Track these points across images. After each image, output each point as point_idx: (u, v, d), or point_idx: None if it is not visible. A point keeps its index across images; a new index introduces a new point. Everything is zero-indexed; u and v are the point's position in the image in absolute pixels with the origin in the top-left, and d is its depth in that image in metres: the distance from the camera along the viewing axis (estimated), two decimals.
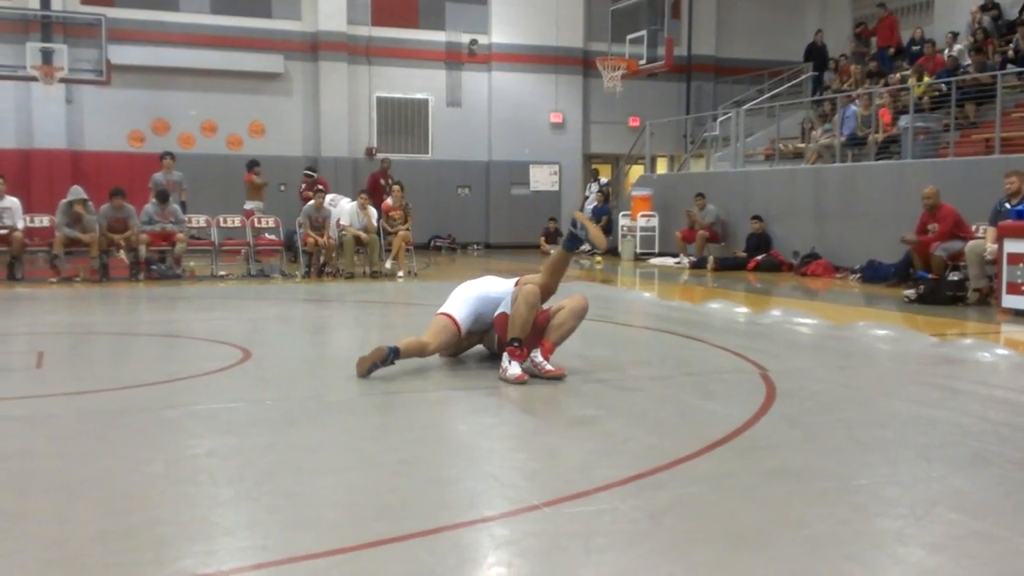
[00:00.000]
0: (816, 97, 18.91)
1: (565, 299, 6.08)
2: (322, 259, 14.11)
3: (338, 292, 11.79)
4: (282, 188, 19.05)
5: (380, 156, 18.37)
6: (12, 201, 13.12)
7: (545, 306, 6.01)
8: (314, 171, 17.43)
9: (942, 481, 3.75)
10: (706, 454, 4.08)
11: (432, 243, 21.18)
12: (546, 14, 22.93)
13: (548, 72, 23.08)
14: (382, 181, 17.28)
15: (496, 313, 6.11)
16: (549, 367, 5.76)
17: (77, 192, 13.10)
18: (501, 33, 22.83)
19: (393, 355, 5.77)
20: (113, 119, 19.99)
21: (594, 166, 24.21)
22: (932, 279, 10.99)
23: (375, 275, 13.72)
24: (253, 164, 16.26)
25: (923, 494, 3.55)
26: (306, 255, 14.11)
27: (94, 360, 7.07)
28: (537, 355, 5.80)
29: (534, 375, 5.72)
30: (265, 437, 4.38)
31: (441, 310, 6.15)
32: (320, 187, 15.10)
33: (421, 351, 6.00)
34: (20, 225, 12.98)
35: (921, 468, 3.94)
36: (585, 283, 12.98)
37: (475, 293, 6.14)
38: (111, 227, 13.06)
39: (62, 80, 17.55)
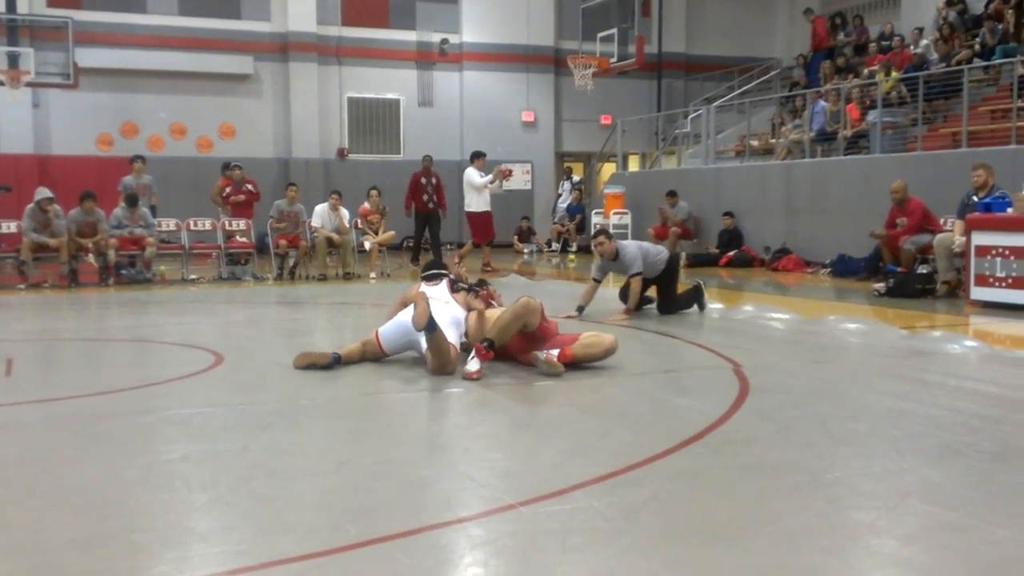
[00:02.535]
0: (785, 93, 19.04)
1: (602, 335, 6.18)
2: (292, 261, 14.03)
3: (311, 294, 11.73)
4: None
5: (423, 154, 17.61)
6: None
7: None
8: (238, 167, 15.46)
9: (914, 473, 3.79)
10: (681, 450, 4.11)
11: (405, 244, 21.13)
12: (517, 13, 22.94)
13: (519, 71, 23.08)
14: (423, 180, 16.68)
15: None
16: (554, 357, 5.86)
17: (43, 192, 12.96)
18: (472, 32, 22.82)
19: (335, 361, 6.03)
20: (81, 122, 19.80)
21: (567, 164, 24.23)
22: (901, 272, 11.10)
23: (348, 276, 13.68)
24: (226, 167, 15.90)
25: (895, 486, 3.59)
26: (278, 257, 14.03)
27: (65, 367, 7.01)
28: (552, 354, 5.90)
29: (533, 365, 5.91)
30: (239, 441, 4.36)
31: (378, 328, 6.30)
32: (250, 186, 14.92)
33: (363, 356, 6.21)
34: None
35: (893, 460, 3.99)
36: (559, 281, 13.01)
37: (405, 321, 6.00)
38: (80, 231, 12.92)
39: (28, 84, 17.37)
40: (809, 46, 20.87)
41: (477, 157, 15.40)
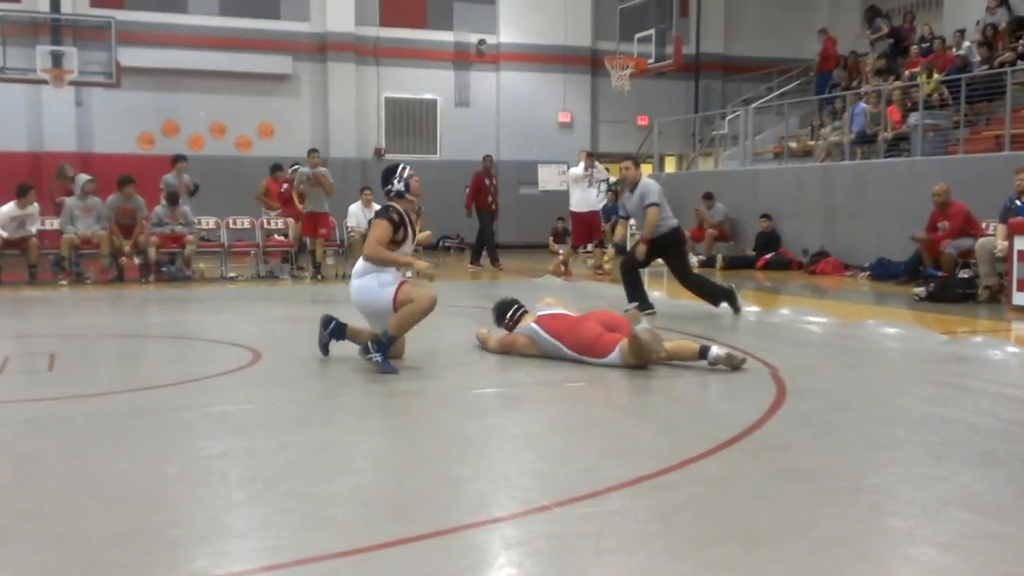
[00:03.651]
0: (825, 95, 18.87)
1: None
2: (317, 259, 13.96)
3: (347, 293, 11.77)
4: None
5: (484, 154, 17.26)
6: (35, 208, 13.21)
7: None
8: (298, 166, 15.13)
9: (953, 480, 3.75)
10: (716, 454, 4.08)
11: (441, 243, 21.18)
12: (554, 13, 22.91)
13: (556, 72, 23.06)
14: (487, 181, 16.29)
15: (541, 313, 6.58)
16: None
17: (84, 176, 13.23)
18: (509, 33, 22.83)
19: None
20: (123, 121, 20.04)
21: (604, 166, 24.12)
22: (942, 277, 10.96)
23: None
24: (276, 168, 15.83)
25: (934, 493, 3.55)
26: (310, 255, 14.03)
27: (106, 362, 7.11)
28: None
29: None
30: (277, 438, 4.40)
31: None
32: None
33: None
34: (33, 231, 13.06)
35: (932, 467, 3.94)
36: (592, 282, 12.98)
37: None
38: (119, 218, 13.09)
39: (72, 83, 17.58)
40: (816, 66, 20.64)
41: (585, 153, 15.11)
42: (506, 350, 6.60)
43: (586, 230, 14.73)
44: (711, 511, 3.35)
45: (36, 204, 13.26)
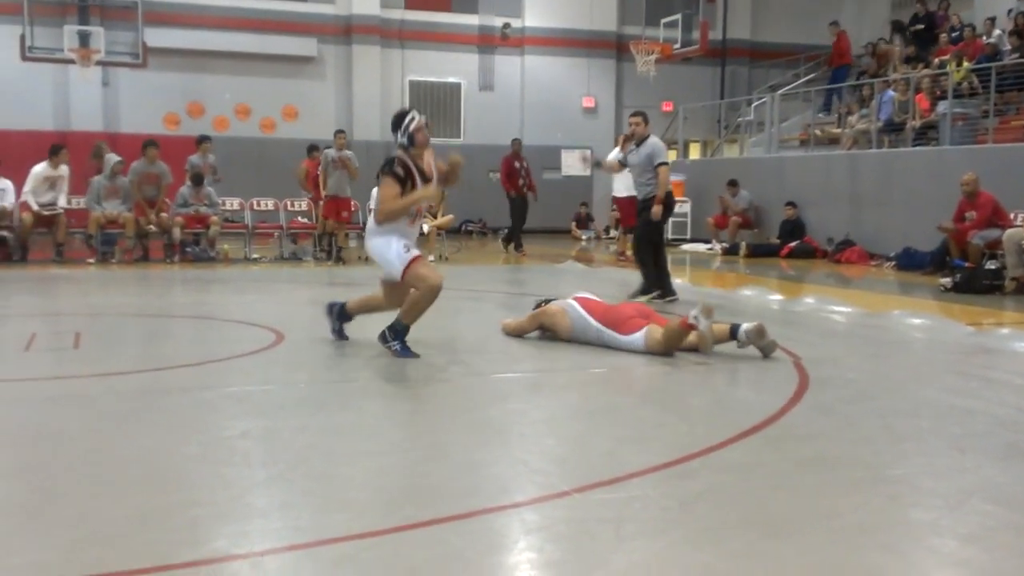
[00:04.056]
0: (853, 82, 18.68)
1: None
2: (335, 242, 13.93)
3: (370, 276, 11.80)
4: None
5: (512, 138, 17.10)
6: (65, 170, 13.25)
7: None
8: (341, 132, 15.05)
9: (976, 472, 3.72)
10: (738, 442, 4.07)
11: (463, 227, 21.18)
12: None
13: (581, 56, 22.95)
14: (516, 164, 16.21)
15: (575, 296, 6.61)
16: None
17: (114, 157, 13.32)
18: (534, 17, 22.73)
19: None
20: (149, 102, 20.12)
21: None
22: (969, 267, 10.86)
23: None
24: (313, 149, 15.75)
25: (957, 485, 3.52)
26: (326, 237, 13.97)
27: (130, 341, 7.15)
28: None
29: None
30: (298, 419, 4.42)
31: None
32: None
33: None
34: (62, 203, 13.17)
35: (956, 459, 3.91)
36: (615, 269, 12.95)
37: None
38: (143, 185, 13.17)
39: (99, 63, 17.67)
40: (829, 60, 20.39)
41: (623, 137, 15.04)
42: (534, 321, 6.62)
43: (633, 214, 14.66)
44: (732, 499, 3.34)
45: (66, 166, 13.32)
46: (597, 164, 9.88)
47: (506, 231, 16.69)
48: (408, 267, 5.88)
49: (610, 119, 23.41)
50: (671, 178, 9.21)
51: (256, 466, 3.67)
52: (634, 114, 9.33)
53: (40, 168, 13.03)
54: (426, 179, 6.15)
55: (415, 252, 6.00)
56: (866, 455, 3.92)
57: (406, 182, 6.00)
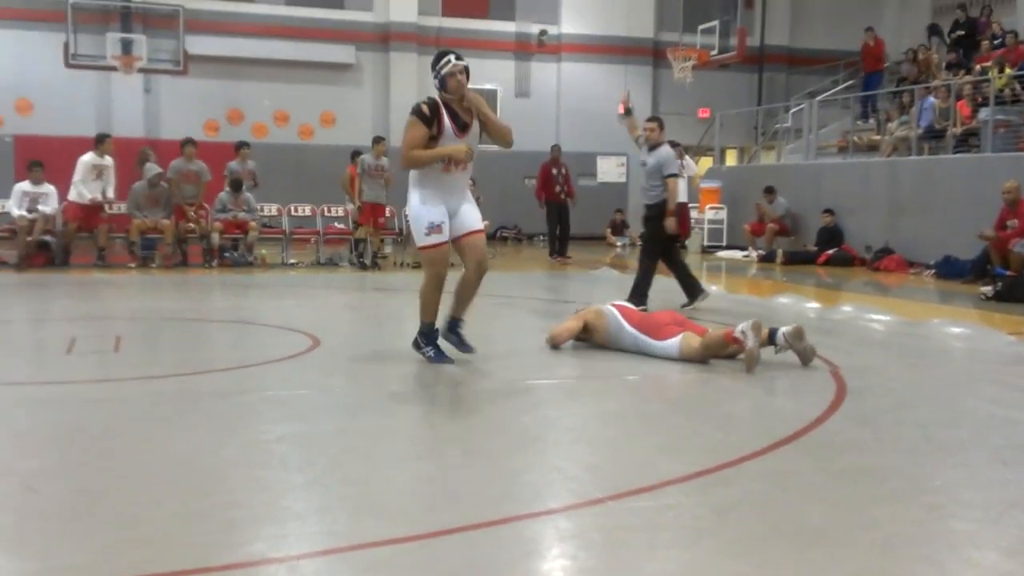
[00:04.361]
0: (892, 89, 18.49)
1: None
2: (373, 248, 13.97)
3: (406, 282, 11.89)
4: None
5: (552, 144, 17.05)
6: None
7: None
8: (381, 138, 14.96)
9: (1018, 484, 3.67)
10: (773, 452, 4.04)
11: (499, 233, 21.22)
12: (616, 4, 22.77)
13: (617, 63, 22.92)
14: (554, 171, 16.23)
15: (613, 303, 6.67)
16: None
17: (154, 168, 13.46)
18: (571, 24, 22.75)
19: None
20: (189, 108, 20.37)
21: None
22: (1010, 276, 10.71)
23: None
24: (356, 154, 15.74)
25: (998, 496, 3.47)
26: (360, 243, 13.98)
27: (169, 345, 7.24)
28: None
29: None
30: (334, 424, 4.45)
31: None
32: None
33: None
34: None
35: (997, 470, 3.86)
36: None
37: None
38: (180, 182, 13.31)
39: (141, 70, 17.95)
40: (861, 64, 20.19)
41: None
42: (580, 320, 6.63)
43: (683, 222, 14.60)
44: (767, 509, 3.32)
45: (111, 157, 13.37)
46: (629, 112, 9.94)
47: (543, 238, 16.58)
48: (422, 249, 5.90)
49: None
50: (680, 186, 9.28)
51: (293, 470, 3.70)
52: (650, 119, 9.41)
53: (88, 157, 13.18)
54: (463, 125, 5.91)
55: (435, 238, 5.82)
56: (905, 465, 3.87)
57: (431, 122, 5.78)
